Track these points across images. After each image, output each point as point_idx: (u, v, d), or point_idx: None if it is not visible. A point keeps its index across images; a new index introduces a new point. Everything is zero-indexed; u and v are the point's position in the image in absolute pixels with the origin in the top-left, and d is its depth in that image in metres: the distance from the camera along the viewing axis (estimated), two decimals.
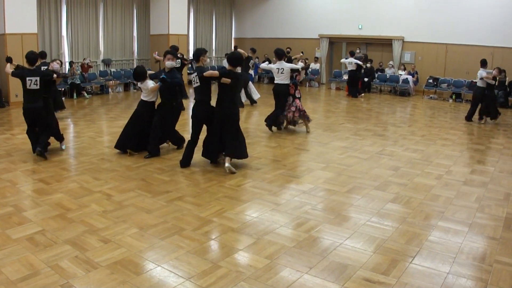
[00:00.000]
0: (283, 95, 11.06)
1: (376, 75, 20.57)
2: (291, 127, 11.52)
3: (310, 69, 22.25)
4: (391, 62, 20.65)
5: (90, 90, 18.01)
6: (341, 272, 4.48)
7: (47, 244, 4.99)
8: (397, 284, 4.25)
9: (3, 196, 6.44)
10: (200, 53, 8.02)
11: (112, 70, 19.56)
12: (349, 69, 18.80)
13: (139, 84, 8.94)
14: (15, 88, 14.41)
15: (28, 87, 8.26)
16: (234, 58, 8.00)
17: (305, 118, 11.24)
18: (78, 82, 17.11)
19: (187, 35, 21.84)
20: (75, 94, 16.96)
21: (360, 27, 21.42)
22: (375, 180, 7.59)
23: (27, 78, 8.23)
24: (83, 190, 6.81)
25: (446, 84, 18.86)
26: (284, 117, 11.20)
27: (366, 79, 20.36)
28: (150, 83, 8.70)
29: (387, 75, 20.31)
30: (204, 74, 7.67)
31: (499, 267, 4.64)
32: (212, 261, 4.67)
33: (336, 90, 21.33)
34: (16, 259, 4.63)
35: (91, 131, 11.14)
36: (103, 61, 19.59)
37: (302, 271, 4.49)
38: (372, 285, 4.23)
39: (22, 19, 14.58)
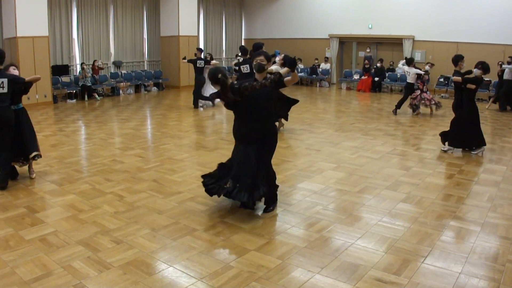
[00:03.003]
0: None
1: (386, 75, 20.51)
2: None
3: (320, 69, 22.36)
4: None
5: (101, 92, 18.11)
6: (353, 272, 4.47)
7: (59, 245, 5.03)
8: (408, 284, 4.24)
9: (16, 198, 6.49)
10: None
11: (123, 72, 19.66)
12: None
13: None
14: None
15: None
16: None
17: (434, 104, 14.47)
18: (89, 84, 17.21)
19: (197, 37, 21.87)
20: (86, 96, 17.07)
21: (370, 26, 21.38)
22: (386, 179, 7.57)
23: None
24: (95, 191, 6.85)
25: None
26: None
27: (376, 79, 20.32)
28: None
29: (398, 74, 20.25)
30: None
31: None
32: (224, 262, 4.68)
33: (346, 90, 21.30)
34: (30, 259, 4.67)
35: (102, 132, 11.20)
36: (113, 63, 19.68)
37: (314, 271, 4.49)
38: (384, 285, 4.23)
39: (33, 22, 14.72)
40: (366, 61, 20.87)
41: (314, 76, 22.43)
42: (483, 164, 8.60)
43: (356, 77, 21.50)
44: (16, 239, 5.18)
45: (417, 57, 20.16)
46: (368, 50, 21.58)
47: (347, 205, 6.39)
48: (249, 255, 4.84)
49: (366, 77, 20.70)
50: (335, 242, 5.20)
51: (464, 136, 9.24)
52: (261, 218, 5.90)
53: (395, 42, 20.94)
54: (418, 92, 14.35)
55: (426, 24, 19.76)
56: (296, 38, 22.98)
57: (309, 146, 9.91)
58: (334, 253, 4.88)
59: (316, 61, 22.55)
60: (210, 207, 6.22)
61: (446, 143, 9.55)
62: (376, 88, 20.50)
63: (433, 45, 19.77)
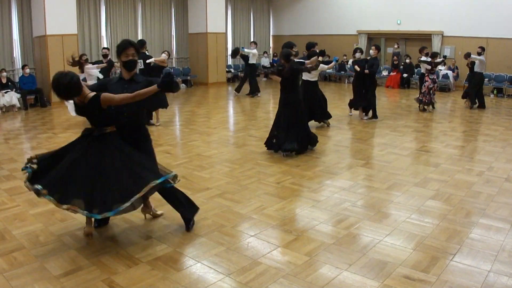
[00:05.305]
0: None
1: (415, 71, 20.29)
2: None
3: (349, 65, 22.23)
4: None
5: None
6: (381, 269, 4.45)
7: (89, 240, 5.10)
8: (437, 282, 4.20)
9: None
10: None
11: None
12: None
13: None
14: None
15: None
16: None
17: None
18: None
19: (225, 33, 21.92)
20: None
21: (398, 22, 21.14)
22: (415, 176, 7.50)
23: None
24: None
25: (487, 79, 18.42)
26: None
27: (405, 75, 20.14)
28: None
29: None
30: None
31: None
32: (251, 258, 4.69)
33: None
34: (59, 254, 4.75)
35: None
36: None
37: (342, 268, 4.47)
38: (412, 283, 4.19)
39: (62, 21, 14.93)
40: (395, 57, 20.70)
41: (343, 72, 22.32)
42: None
43: (384, 73, 21.32)
44: (46, 234, 5.28)
45: (446, 52, 19.83)
46: (396, 46, 21.38)
47: (376, 202, 6.36)
48: (277, 252, 4.86)
49: (394, 73, 20.54)
50: (363, 239, 5.18)
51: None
52: (288, 215, 5.91)
53: (424, 38, 20.65)
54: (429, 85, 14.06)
55: (455, 20, 19.44)
56: (324, 35, 22.84)
57: (337, 143, 9.87)
58: (362, 250, 4.86)
59: (345, 57, 22.40)
60: (238, 204, 6.24)
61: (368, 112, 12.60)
62: (405, 84, 20.31)
63: (462, 40, 19.45)
